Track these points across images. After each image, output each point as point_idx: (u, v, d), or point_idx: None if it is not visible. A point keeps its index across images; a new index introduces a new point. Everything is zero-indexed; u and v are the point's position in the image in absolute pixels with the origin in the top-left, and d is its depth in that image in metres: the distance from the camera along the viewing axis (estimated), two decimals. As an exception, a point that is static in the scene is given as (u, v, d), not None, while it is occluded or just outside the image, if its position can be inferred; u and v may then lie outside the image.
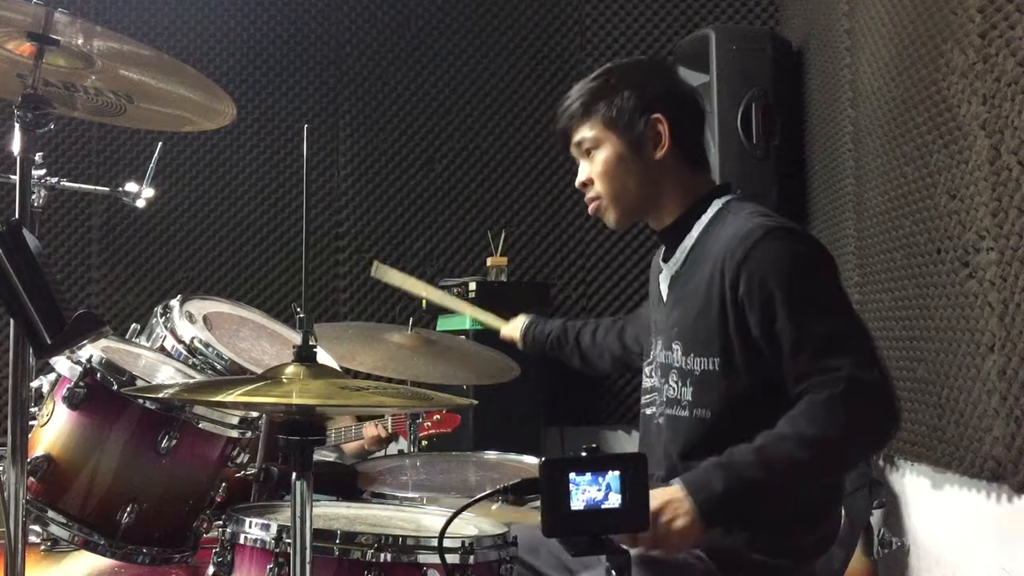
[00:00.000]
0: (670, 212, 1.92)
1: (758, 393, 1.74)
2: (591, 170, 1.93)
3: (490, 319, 2.55)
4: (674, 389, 1.84)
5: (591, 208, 1.96)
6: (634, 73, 1.95)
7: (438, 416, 3.26)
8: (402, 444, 3.34)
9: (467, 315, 2.61)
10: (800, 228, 1.84)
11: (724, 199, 1.90)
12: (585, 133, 1.93)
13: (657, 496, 1.63)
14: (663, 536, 1.62)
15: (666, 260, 1.95)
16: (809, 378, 1.67)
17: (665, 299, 1.93)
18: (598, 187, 1.93)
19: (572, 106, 1.94)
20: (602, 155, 1.91)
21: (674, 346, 1.85)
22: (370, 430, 3.32)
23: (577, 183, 1.97)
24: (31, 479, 1.82)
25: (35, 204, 2.51)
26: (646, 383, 1.99)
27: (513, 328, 2.49)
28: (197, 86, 1.89)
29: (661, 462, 1.84)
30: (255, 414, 2.00)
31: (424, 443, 3.21)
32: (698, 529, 1.63)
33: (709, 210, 1.88)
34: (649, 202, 1.92)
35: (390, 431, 3.32)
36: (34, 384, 1.97)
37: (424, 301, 4.12)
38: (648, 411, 1.95)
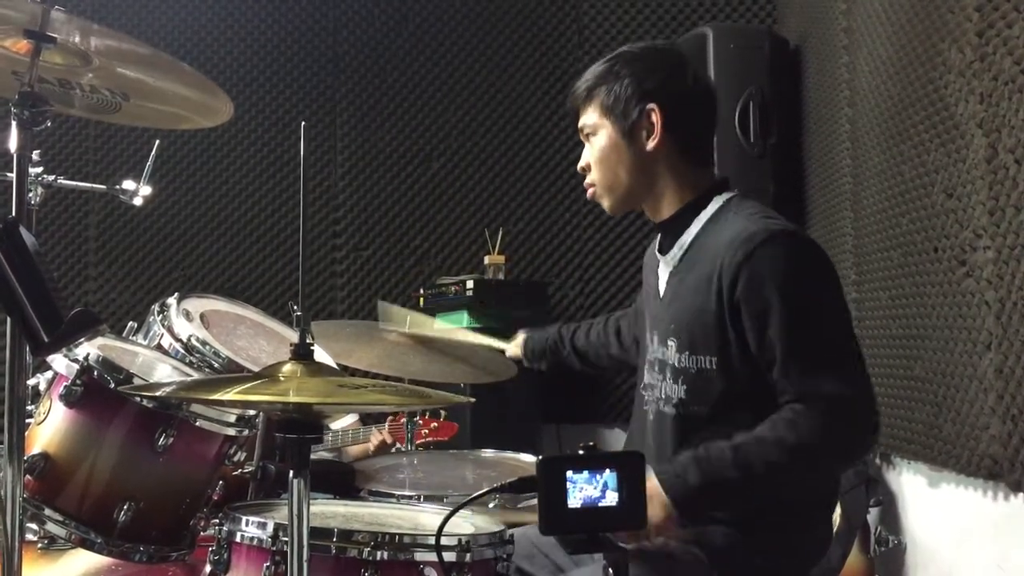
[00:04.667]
0: (668, 205, 1.90)
1: (754, 393, 1.73)
2: (589, 155, 1.93)
3: (493, 342, 2.50)
4: (668, 386, 1.83)
5: (588, 193, 1.96)
6: (638, 61, 1.91)
7: (435, 424, 3.24)
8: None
9: (474, 342, 2.53)
10: (803, 233, 1.83)
11: (725, 196, 1.88)
12: (587, 119, 1.92)
13: None
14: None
15: (663, 252, 1.93)
16: (795, 389, 1.68)
17: (662, 294, 1.92)
18: (594, 173, 1.93)
19: (578, 90, 1.94)
20: (598, 142, 1.90)
21: (669, 343, 1.83)
22: (376, 437, 3.27)
23: (578, 167, 1.97)
24: (28, 477, 1.82)
25: (32, 202, 2.51)
26: (642, 377, 1.96)
27: (516, 346, 2.45)
28: (194, 84, 1.89)
29: (651, 458, 1.82)
30: (252, 412, 2.00)
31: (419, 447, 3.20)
32: (672, 521, 1.65)
33: (710, 207, 1.87)
34: (642, 192, 1.91)
35: (394, 438, 3.27)
36: (31, 382, 1.97)
37: (420, 302, 4.15)
38: (642, 406, 1.93)
